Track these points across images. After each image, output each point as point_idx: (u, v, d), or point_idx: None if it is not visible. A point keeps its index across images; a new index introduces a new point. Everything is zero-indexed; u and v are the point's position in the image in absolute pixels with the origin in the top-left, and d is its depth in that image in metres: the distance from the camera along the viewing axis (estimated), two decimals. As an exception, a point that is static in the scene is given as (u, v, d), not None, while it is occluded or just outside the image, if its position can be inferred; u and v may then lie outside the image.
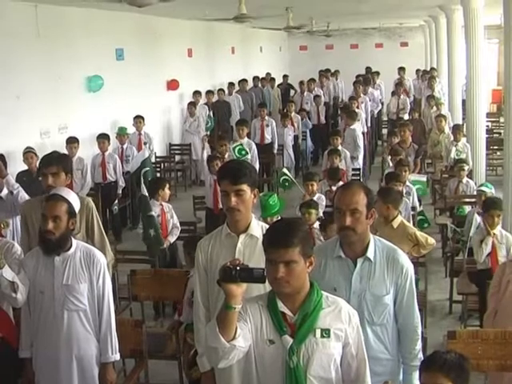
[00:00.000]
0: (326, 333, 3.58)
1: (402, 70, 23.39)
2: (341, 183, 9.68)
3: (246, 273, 3.36)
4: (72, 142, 11.49)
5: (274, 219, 7.47)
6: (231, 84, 20.19)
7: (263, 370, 3.65)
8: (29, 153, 10.19)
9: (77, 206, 5.12)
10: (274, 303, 3.62)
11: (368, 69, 25.37)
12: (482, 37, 13.39)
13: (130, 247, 10.62)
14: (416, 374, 4.16)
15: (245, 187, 4.30)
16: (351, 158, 12.57)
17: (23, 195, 6.48)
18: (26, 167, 10.12)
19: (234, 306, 3.36)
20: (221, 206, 9.92)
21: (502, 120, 20.53)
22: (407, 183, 9.90)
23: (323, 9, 17.36)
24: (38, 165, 7.18)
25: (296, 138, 16.78)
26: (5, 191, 6.62)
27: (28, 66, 11.65)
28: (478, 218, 8.69)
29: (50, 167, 5.86)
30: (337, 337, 3.60)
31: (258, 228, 4.46)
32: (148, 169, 12.86)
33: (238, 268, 3.35)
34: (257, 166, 12.10)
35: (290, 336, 3.57)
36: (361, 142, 13.35)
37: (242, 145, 12.11)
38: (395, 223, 7.26)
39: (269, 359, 3.61)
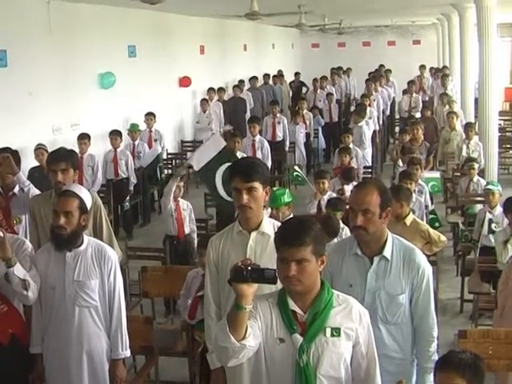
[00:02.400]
0: (336, 332, 3.57)
1: (422, 67, 23.37)
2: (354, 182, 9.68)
3: (257, 273, 3.34)
4: (83, 138, 11.51)
5: (284, 211, 7.45)
6: (241, 81, 20.20)
7: (273, 369, 3.64)
8: (40, 149, 10.27)
9: (89, 203, 5.13)
10: (284, 301, 3.61)
11: (381, 66, 25.34)
12: (494, 35, 13.34)
13: (142, 244, 10.65)
14: (430, 377, 4.16)
15: (257, 185, 4.30)
16: (362, 155, 12.54)
17: (34, 192, 6.49)
18: (37, 163, 10.17)
19: (244, 306, 3.34)
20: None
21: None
22: (420, 181, 9.88)
23: (335, 6, 17.37)
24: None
25: (308, 135, 16.78)
26: (17, 188, 6.66)
27: (40, 62, 11.67)
28: (488, 216, 8.68)
29: (59, 163, 5.86)
30: (347, 336, 3.59)
31: (269, 225, 4.46)
32: (161, 164, 12.97)
33: (249, 268, 3.34)
34: (269, 164, 12.14)
35: (300, 335, 3.56)
36: (367, 140, 13.35)
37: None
38: (408, 220, 7.24)
39: (279, 358, 3.60)
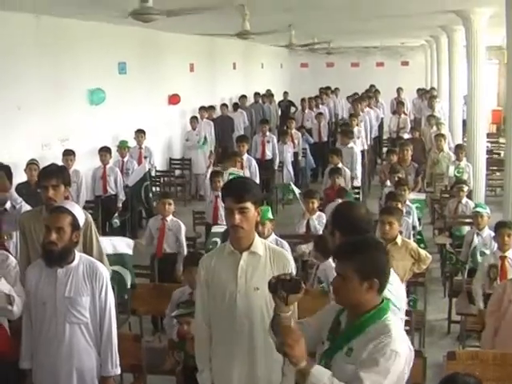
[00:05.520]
0: (350, 351, 3.52)
1: (400, 89, 23.55)
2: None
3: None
4: (68, 154, 11.55)
5: (269, 227, 7.50)
6: (235, 104, 20.35)
7: None
8: (32, 164, 10.27)
9: (81, 220, 5.12)
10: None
11: (371, 87, 25.52)
12: (483, 58, 13.48)
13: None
14: None
15: (249, 205, 4.30)
16: (351, 178, 12.62)
17: (26, 209, 6.48)
18: (25, 179, 10.15)
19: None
20: (219, 221, 10.13)
21: (501, 140, 20.64)
22: (407, 202, 9.94)
23: (326, 26, 17.44)
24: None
25: (296, 154, 16.83)
26: (8, 204, 6.64)
27: (29, 77, 11.65)
28: (476, 240, 8.74)
29: (51, 180, 5.83)
30: (354, 359, 3.47)
31: (261, 245, 4.47)
32: (148, 183, 12.95)
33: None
34: (257, 182, 12.10)
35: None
36: (359, 161, 13.42)
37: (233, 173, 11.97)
38: (399, 240, 7.30)
39: None
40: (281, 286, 3.60)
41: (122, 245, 7.85)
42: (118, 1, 8.64)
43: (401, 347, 3.40)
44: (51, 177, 5.85)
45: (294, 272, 4.46)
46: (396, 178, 11.00)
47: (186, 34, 18.02)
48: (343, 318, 3.63)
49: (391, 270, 3.78)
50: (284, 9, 12.36)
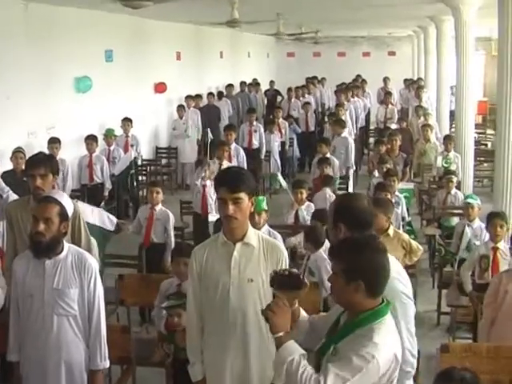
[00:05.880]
0: (335, 350, 3.43)
1: (387, 79, 23.53)
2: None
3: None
4: (53, 142, 11.47)
5: (264, 217, 7.45)
6: (220, 92, 20.24)
7: None
8: (18, 152, 10.16)
9: (70, 210, 5.02)
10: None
11: (358, 76, 25.47)
12: (472, 48, 13.43)
13: (115, 250, 10.51)
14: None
15: (243, 195, 4.24)
16: (347, 168, 12.56)
17: (13, 198, 6.38)
18: (10, 167, 10.04)
19: None
20: (209, 210, 10.05)
21: (488, 132, 20.68)
22: (396, 193, 9.89)
23: (315, 15, 17.37)
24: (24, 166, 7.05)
25: (283, 144, 16.76)
26: (-5, 193, 6.55)
27: (17, 65, 11.51)
28: (468, 231, 8.71)
29: (39, 168, 5.73)
30: (338, 359, 3.38)
31: (254, 236, 4.41)
32: (133, 171, 12.85)
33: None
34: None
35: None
36: (353, 151, 13.39)
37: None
38: (391, 231, 7.25)
39: None
40: (281, 282, 3.55)
41: (104, 219, 7.78)
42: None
43: (381, 353, 3.27)
44: (39, 166, 5.75)
45: (287, 263, 4.42)
46: (385, 169, 10.96)
47: (173, 22, 17.90)
48: (343, 318, 3.56)
49: (393, 258, 3.74)
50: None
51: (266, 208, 7.61)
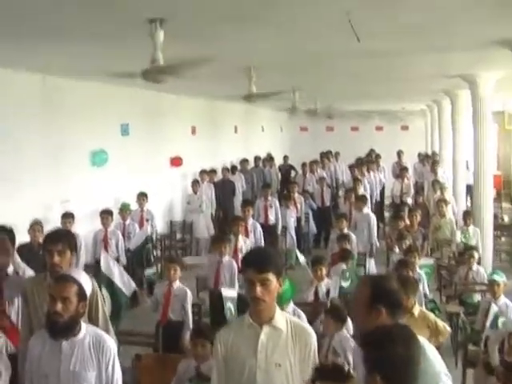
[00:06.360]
0: None
1: (401, 152, 23.50)
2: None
3: None
4: (67, 217, 11.38)
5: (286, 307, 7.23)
6: (234, 167, 20.30)
7: None
8: (36, 225, 10.12)
9: (88, 289, 4.86)
10: None
11: (371, 151, 25.46)
12: (489, 122, 13.38)
13: (130, 327, 10.29)
14: None
15: (270, 276, 4.11)
16: (370, 244, 12.41)
17: (29, 275, 6.23)
18: (24, 240, 9.90)
19: None
20: (221, 284, 9.88)
21: (504, 205, 20.52)
22: (417, 269, 9.69)
23: (330, 90, 17.45)
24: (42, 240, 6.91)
25: (298, 219, 16.62)
26: (11, 269, 6.40)
27: (32, 137, 11.57)
28: (494, 308, 8.48)
29: (56, 245, 5.57)
30: None
31: (282, 319, 4.24)
32: (150, 246, 12.71)
33: None
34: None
35: None
36: (375, 227, 13.28)
37: None
38: (416, 311, 7.03)
39: None
40: (325, 375, 3.39)
41: (124, 279, 7.73)
42: (129, 61, 8.49)
43: None
44: (57, 241, 5.59)
45: (316, 347, 4.23)
46: (404, 245, 10.80)
47: (187, 97, 17.99)
48: None
49: (423, 339, 3.63)
50: (289, 71, 12.29)
51: (292, 295, 7.40)
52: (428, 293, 9.85)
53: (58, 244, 5.57)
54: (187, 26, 7.43)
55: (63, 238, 5.70)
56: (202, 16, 6.93)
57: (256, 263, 4.13)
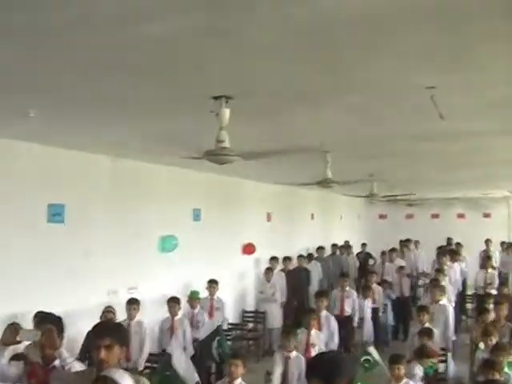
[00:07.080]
0: None
1: (489, 241, 22.62)
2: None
3: None
4: (132, 303, 11.10)
5: None
6: (310, 254, 19.70)
7: None
8: (109, 312, 10.20)
9: (130, 393, 4.35)
10: None
11: (449, 240, 24.67)
12: None
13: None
14: None
15: (338, 384, 3.51)
16: (446, 338, 11.63)
17: (76, 369, 5.77)
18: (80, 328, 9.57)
19: None
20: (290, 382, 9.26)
21: None
22: (505, 369, 8.89)
23: (409, 176, 16.95)
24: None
25: (375, 310, 15.91)
26: (58, 361, 5.97)
27: (101, 220, 11.41)
28: None
29: (103, 339, 5.06)
30: None
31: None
32: (221, 337, 12.16)
33: None
34: (336, 342, 11.39)
35: None
36: (452, 320, 12.47)
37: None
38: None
39: None
40: None
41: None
42: (194, 141, 8.23)
43: None
44: (104, 335, 5.09)
45: None
46: (490, 341, 10.00)
47: (263, 183, 17.71)
48: None
49: None
50: (367, 156, 11.89)
51: None
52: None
53: (105, 338, 5.06)
54: (255, 104, 7.07)
55: (110, 331, 5.21)
56: (274, 95, 6.59)
57: (322, 374, 3.57)
